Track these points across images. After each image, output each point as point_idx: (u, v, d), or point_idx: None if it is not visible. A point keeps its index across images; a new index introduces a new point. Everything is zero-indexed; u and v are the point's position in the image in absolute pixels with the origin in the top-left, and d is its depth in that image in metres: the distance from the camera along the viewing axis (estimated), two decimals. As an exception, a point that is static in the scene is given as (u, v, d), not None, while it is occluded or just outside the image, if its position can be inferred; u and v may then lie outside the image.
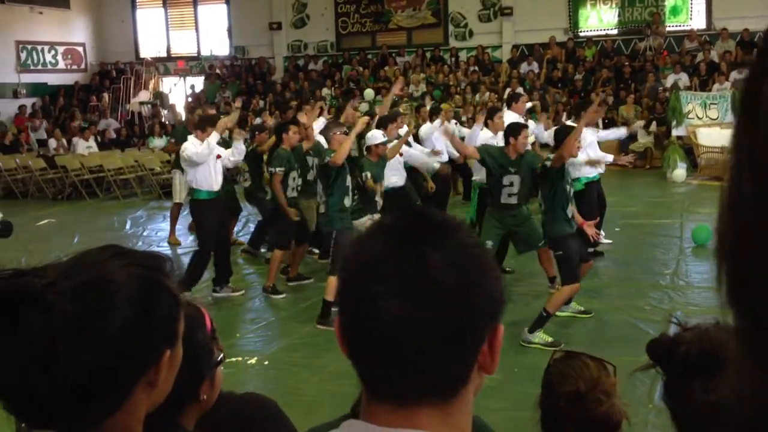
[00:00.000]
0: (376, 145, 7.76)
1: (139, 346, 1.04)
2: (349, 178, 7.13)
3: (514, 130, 7.06)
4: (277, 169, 7.98)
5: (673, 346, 1.34)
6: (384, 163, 7.91)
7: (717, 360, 1.28)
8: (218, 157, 7.88)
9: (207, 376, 1.75)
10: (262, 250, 9.61)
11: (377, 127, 9.09)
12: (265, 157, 8.96)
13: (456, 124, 11.47)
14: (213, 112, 10.33)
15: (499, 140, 7.98)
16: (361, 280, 0.97)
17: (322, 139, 8.22)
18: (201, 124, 7.94)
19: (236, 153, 8.17)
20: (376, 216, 7.72)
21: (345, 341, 1.00)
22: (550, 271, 7.29)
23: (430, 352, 0.94)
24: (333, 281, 6.84)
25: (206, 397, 1.74)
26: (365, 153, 7.96)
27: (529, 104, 10.79)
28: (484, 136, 8.43)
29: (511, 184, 6.90)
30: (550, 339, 6.20)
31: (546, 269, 7.41)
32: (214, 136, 7.75)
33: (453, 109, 13.21)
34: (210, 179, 7.73)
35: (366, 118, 8.07)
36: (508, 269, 8.15)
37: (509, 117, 8.91)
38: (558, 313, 6.60)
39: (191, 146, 7.68)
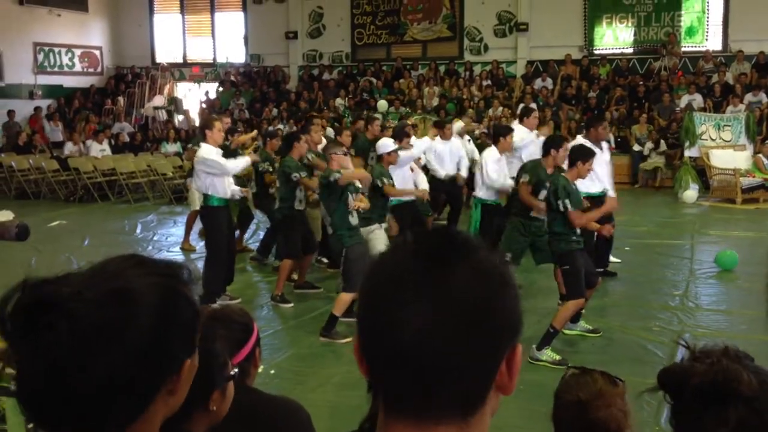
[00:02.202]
0: (388, 153, 7.81)
1: (161, 355, 1.05)
2: (351, 198, 7.05)
3: (555, 143, 7.05)
4: (295, 175, 8.06)
5: (686, 377, 1.34)
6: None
7: (730, 392, 1.28)
8: None
9: (218, 387, 1.76)
10: (271, 258, 9.62)
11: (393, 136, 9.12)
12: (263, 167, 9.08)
13: (469, 141, 11.40)
14: (227, 119, 10.34)
15: (503, 160, 8.00)
16: (383, 297, 0.97)
17: None
18: (206, 125, 8.05)
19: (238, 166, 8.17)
20: (384, 225, 7.72)
21: (365, 357, 1.00)
22: (562, 288, 7.26)
23: (450, 369, 0.95)
24: (345, 298, 6.84)
25: (216, 408, 1.76)
26: (376, 161, 8.02)
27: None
28: (492, 155, 8.22)
29: (546, 198, 6.78)
30: (558, 357, 6.17)
31: (559, 285, 7.37)
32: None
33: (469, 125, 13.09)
34: (224, 185, 7.76)
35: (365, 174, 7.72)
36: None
37: (520, 131, 8.93)
38: (566, 331, 6.58)
39: (215, 156, 7.71)
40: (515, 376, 1.00)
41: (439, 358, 0.94)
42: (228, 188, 7.81)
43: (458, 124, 11.05)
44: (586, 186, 7.97)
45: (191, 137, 15.60)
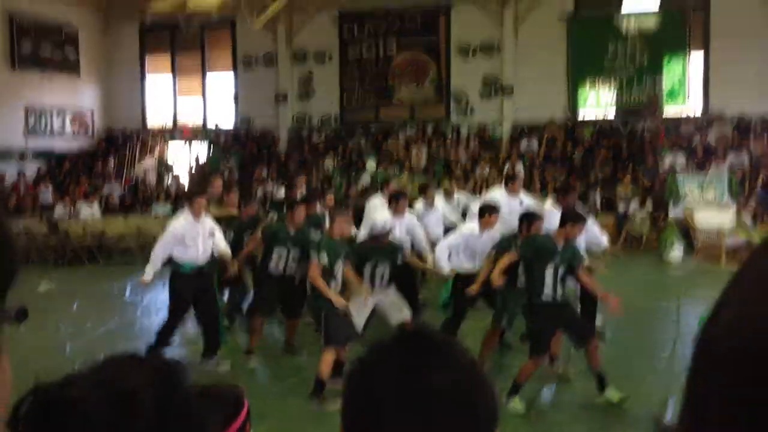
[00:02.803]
0: (375, 235, 7.73)
1: None
2: (340, 263, 7.17)
3: (530, 220, 7.29)
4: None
5: None
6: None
7: None
8: (212, 234, 8.10)
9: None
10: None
11: (389, 201, 9.23)
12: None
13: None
14: (218, 183, 10.45)
15: (483, 236, 7.98)
16: (366, 401, 1.05)
17: None
18: (190, 195, 8.29)
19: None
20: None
21: None
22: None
23: None
24: (327, 357, 6.94)
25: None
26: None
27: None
28: (464, 231, 8.28)
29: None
30: (520, 408, 6.60)
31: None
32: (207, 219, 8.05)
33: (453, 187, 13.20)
34: (197, 254, 7.90)
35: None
36: (508, 342, 8.22)
37: (501, 197, 9.09)
38: (597, 400, 6.68)
39: (169, 234, 7.92)
40: None
41: None
42: (201, 257, 7.94)
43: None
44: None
45: (181, 199, 15.72)
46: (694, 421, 0.52)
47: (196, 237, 7.87)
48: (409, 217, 9.25)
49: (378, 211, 8.76)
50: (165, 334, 8.06)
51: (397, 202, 9.05)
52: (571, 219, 6.81)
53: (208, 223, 8.11)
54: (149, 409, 1.13)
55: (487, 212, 8.08)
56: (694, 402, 0.52)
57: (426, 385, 1.04)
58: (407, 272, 8.68)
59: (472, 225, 8.32)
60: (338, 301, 7.05)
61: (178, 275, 7.93)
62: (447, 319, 8.24)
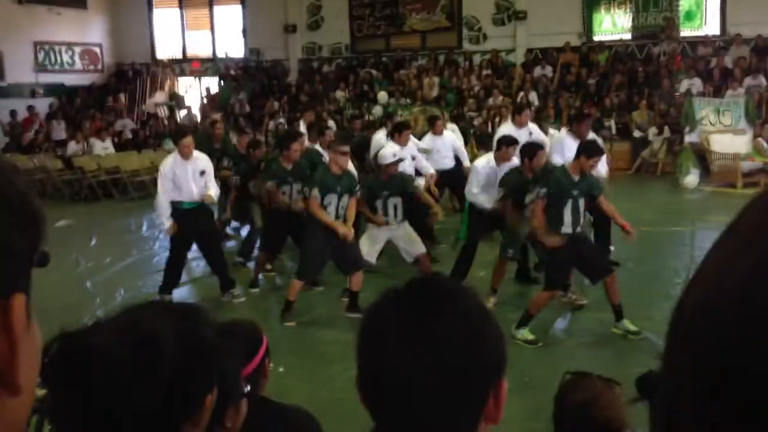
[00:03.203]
0: (387, 165, 7.71)
1: (184, 394, 1.16)
2: (332, 197, 7.24)
3: (531, 153, 7.26)
4: (269, 183, 8.27)
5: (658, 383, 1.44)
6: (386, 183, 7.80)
7: None
8: (202, 173, 7.97)
9: (232, 404, 1.87)
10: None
11: (391, 134, 9.21)
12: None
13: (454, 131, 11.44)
14: (218, 117, 10.58)
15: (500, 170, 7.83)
16: (376, 346, 1.10)
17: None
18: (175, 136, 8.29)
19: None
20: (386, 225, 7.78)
21: (364, 395, 1.13)
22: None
23: (441, 407, 1.06)
24: (296, 284, 7.40)
25: (231, 424, 1.87)
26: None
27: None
28: (483, 164, 8.08)
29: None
30: (531, 337, 6.65)
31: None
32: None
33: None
34: (191, 193, 7.86)
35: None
36: (533, 276, 8.27)
37: (509, 129, 9.02)
38: (614, 330, 6.74)
39: (170, 166, 7.88)
40: (502, 407, 1.11)
41: (430, 399, 1.06)
42: (196, 194, 7.90)
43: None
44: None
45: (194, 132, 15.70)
46: (668, 394, 0.48)
47: (186, 176, 7.81)
48: (411, 147, 9.21)
49: (386, 146, 8.70)
50: (171, 272, 8.16)
51: (399, 134, 8.99)
52: (586, 151, 6.65)
53: (199, 162, 7.98)
54: (171, 353, 1.15)
55: (504, 144, 7.95)
56: (668, 373, 0.49)
57: (432, 331, 1.07)
58: (418, 206, 8.69)
59: (487, 157, 8.18)
60: (342, 230, 7.14)
61: (175, 212, 7.92)
62: (462, 249, 8.26)
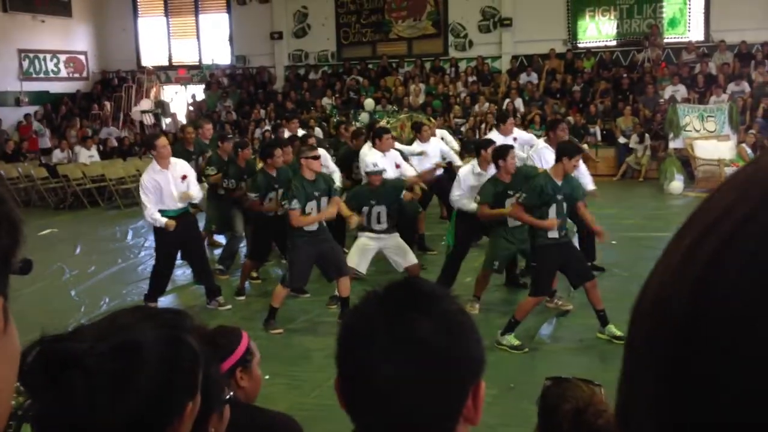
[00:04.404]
0: (368, 174, 7.78)
1: (166, 400, 1.16)
2: (313, 204, 7.20)
3: (501, 153, 7.24)
4: (253, 195, 8.29)
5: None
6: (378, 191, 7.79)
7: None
8: (184, 177, 7.87)
9: (216, 411, 1.86)
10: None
11: (372, 139, 9.19)
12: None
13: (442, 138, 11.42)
14: (209, 126, 10.51)
15: (484, 175, 7.84)
16: (355, 348, 1.11)
17: None
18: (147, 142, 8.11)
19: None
20: (371, 234, 7.75)
21: (344, 398, 1.13)
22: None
23: (420, 408, 1.07)
24: (280, 291, 7.34)
25: (214, 430, 1.86)
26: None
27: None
28: (468, 170, 8.15)
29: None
30: (516, 342, 6.65)
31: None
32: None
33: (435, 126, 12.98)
34: (174, 201, 7.75)
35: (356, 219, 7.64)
36: (522, 282, 8.28)
37: (495, 137, 9.05)
38: (599, 335, 6.74)
39: (151, 180, 7.72)
40: (480, 408, 1.12)
41: (409, 402, 1.07)
42: (178, 201, 7.82)
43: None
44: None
45: (178, 140, 15.64)
46: (624, 383, 0.47)
47: (167, 184, 7.70)
48: (395, 154, 9.22)
49: (368, 155, 8.70)
50: (157, 281, 8.10)
51: (380, 139, 9.00)
52: (566, 152, 6.69)
53: (178, 167, 7.87)
54: (152, 359, 1.15)
55: (483, 148, 8.01)
56: (626, 360, 0.48)
57: (411, 332, 1.08)
58: (407, 215, 8.74)
59: (472, 163, 8.22)
60: (330, 212, 7.25)
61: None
62: (449, 256, 8.27)
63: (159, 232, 7.88)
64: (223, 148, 9.81)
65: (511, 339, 6.65)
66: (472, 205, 7.77)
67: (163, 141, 7.89)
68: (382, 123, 12.46)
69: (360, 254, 7.70)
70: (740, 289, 0.40)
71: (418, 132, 10.55)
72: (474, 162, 8.14)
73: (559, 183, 6.64)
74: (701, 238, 0.44)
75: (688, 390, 0.41)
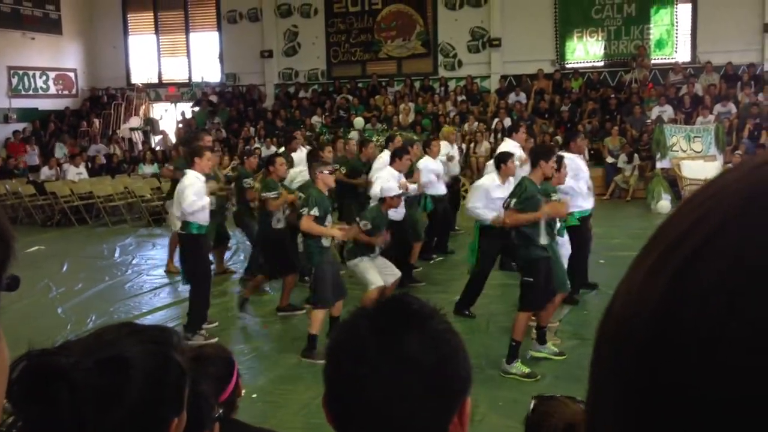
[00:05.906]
0: (391, 198, 7.62)
1: (152, 415, 1.16)
2: (329, 217, 7.15)
3: (543, 155, 7.15)
4: (271, 194, 8.33)
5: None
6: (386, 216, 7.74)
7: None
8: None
9: (207, 428, 1.86)
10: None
11: (391, 159, 9.17)
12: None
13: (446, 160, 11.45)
14: (209, 138, 10.42)
15: (504, 187, 7.77)
16: (345, 363, 1.11)
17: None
18: (195, 153, 7.89)
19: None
20: (371, 256, 7.60)
21: (331, 415, 1.14)
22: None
23: (407, 425, 1.08)
24: (318, 315, 7.00)
25: (204, 447, 1.86)
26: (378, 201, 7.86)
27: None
28: (487, 182, 8.14)
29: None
30: (527, 370, 6.41)
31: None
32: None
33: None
34: (206, 212, 7.66)
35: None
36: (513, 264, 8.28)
37: (509, 145, 9.12)
38: (533, 353, 6.72)
39: (189, 188, 7.54)
40: (467, 425, 1.13)
41: (396, 418, 1.07)
42: (207, 215, 7.74)
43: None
44: (579, 204, 8.08)
45: (169, 158, 15.63)
46: (592, 394, 0.47)
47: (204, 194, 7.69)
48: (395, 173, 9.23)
49: (388, 179, 8.58)
50: (204, 304, 7.77)
51: (400, 159, 8.96)
52: (541, 156, 6.62)
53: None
54: (138, 375, 1.15)
55: (503, 162, 7.96)
56: (593, 372, 0.48)
57: (400, 349, 1.09)
58: (402, 234, 8.80)
59: (491, 176, 8.13)
60: (341, 233, 7.25)
61: (202, 238, 7.70)
62: (472, 276, 8.17)
63: (195, 247, 7.70)
64: (249, 162, 10.31)
65: (520, 366, 6.43)
66: (492, 215, 7.68)
67: (209, 154, 8.09)
68: (377, 139, 12.54)
69: (372, 272, 7.49)
70: (709, 301, 0.41)
71: (427, 148, 10.56)
72: (494, 175, 8.07)
73: (539, 186, 6.60)
74: (667, 255, 0.44)
75: (654, 403, 0.42)
